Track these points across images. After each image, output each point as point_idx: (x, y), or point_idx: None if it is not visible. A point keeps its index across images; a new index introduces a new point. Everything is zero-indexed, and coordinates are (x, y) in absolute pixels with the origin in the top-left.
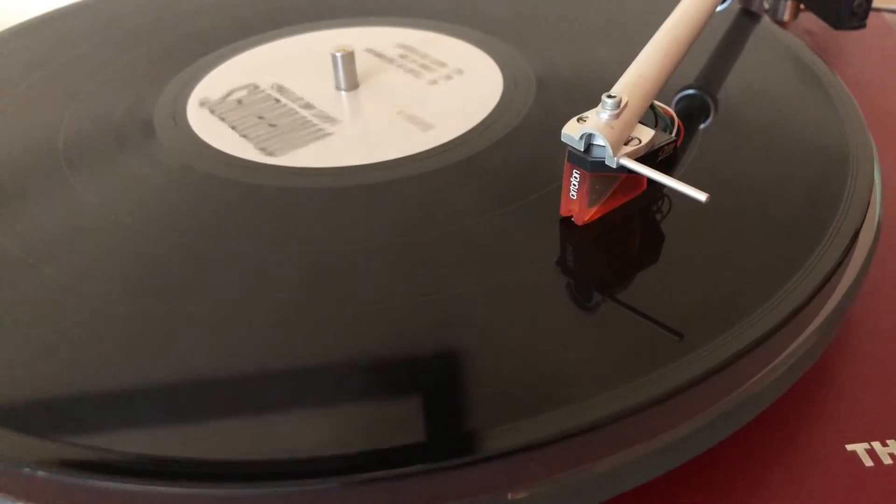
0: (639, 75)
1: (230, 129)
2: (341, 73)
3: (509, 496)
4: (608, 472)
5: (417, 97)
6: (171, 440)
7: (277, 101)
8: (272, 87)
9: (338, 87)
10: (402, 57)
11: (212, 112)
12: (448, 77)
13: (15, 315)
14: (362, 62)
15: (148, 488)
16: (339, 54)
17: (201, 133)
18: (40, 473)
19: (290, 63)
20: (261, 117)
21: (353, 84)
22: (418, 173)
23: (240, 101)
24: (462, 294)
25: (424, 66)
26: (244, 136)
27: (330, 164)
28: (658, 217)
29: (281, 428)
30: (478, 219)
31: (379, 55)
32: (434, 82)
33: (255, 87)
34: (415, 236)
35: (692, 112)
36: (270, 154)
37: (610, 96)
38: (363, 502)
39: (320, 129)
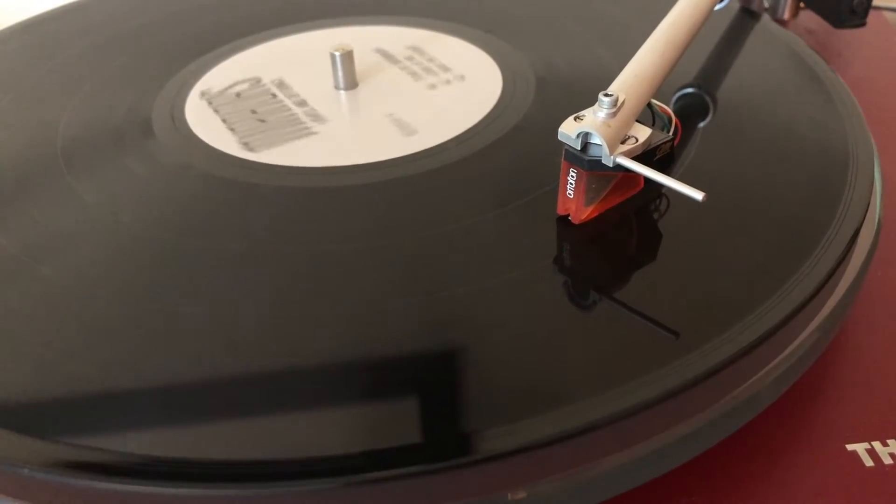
0: (636, 74)
1: (221, 122)
2: (340, 73)
3: (509, 496)
4: (608, 473)
5: (411, 101)
6: (169, 441)
7: (274, 96)
8: (273, 83)
9: (336, 87)
10: (409, 59)
11: (209, 103)
12: (447, 82)
13: (13, 315)
14: (367, 62)
15: (147, 489)
16: (337, 53)
17: (193, 124)
18: (40, 474)
19: (298, 60)
20: (253, 111)
21: (351, 83)
22: (412, 174)
23: (238, 95)
24: (460, 294)
25: (428, 70)
26: (231, 129)
27: (303, 164)
28: (655, 216)
29: (280, 428)
30: (476, 218)
31: (387, 55)
32: (433, 87)
33: (258, 81)
34: (413, 236)
35: (691, 111)
36: (251, 149)
37: (607, 95)
38: (363, 503)
39: (306, 128)
